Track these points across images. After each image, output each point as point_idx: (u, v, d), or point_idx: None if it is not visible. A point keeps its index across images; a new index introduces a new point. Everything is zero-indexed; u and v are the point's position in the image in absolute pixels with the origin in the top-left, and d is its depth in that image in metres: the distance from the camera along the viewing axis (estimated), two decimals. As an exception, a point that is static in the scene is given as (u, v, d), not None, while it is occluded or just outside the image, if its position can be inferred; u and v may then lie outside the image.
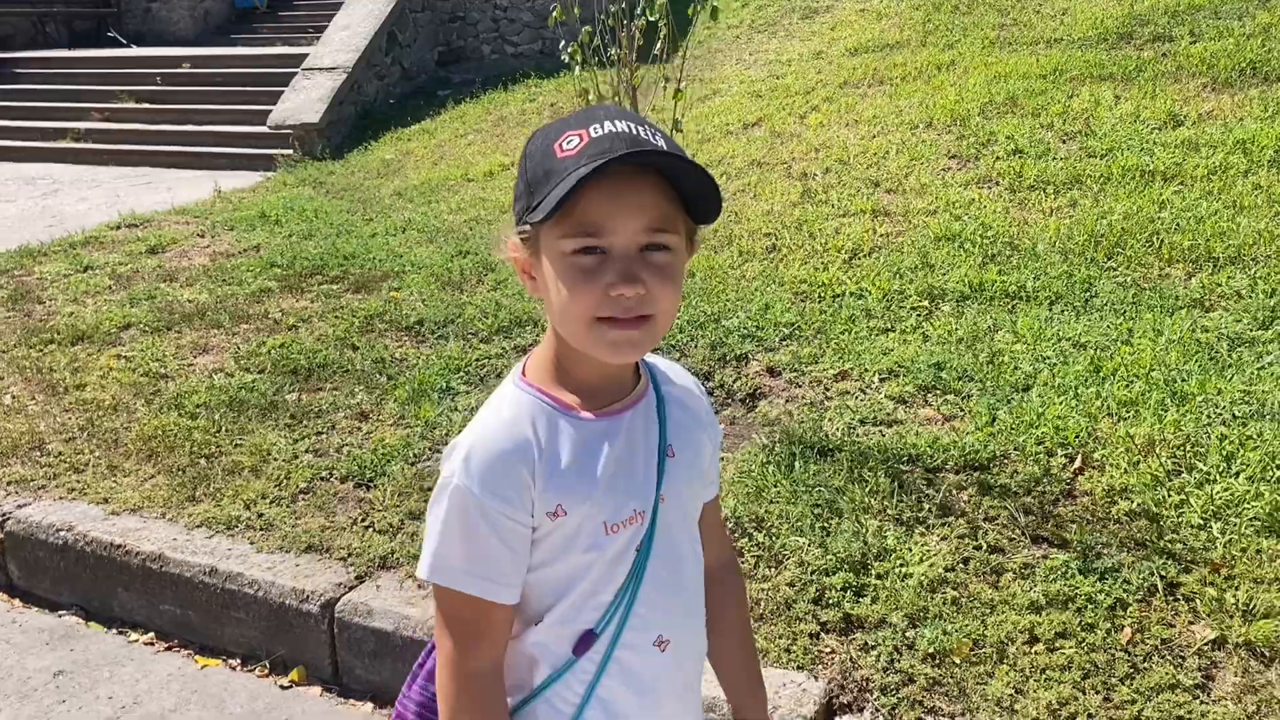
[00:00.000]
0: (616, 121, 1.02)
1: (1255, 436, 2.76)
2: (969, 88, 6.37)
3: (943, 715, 2.03)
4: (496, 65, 9.11)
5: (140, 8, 14.23)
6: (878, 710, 2.06)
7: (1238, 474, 2.62)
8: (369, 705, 2.46)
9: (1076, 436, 2.87)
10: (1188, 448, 2.78)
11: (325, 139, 8.57)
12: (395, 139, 8.54)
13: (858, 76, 7.07)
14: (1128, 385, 3.14)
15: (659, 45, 3.40)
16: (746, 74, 7.77)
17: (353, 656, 2.48)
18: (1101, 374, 3.26)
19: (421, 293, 4.75)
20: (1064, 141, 5.44)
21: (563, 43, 3.44)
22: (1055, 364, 3.33)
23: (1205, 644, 2.12)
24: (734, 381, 3.62)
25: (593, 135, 1.00)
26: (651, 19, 3.44)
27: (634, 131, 1.01)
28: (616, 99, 3.60)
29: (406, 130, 8.66)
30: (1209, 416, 2.91)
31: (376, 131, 8.79)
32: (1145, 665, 2.10)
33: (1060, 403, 3.06)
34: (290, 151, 8.74)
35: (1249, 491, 2.53)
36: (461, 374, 3.80)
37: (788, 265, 4.61)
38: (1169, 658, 2.11)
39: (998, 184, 5.15)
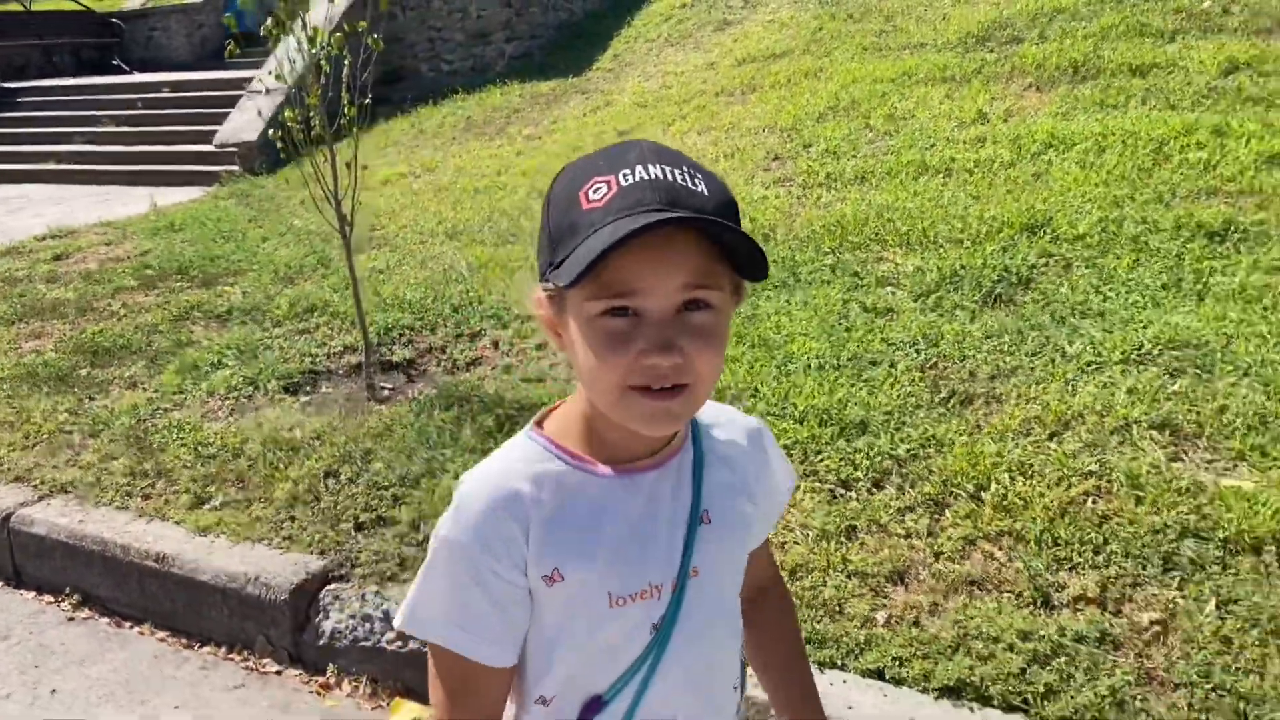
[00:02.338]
0: (650, 167, 0.93)
1: (800, 385, 3.35)
2: (822, 93, 6.97)
3: (403, 580, 2.69)
4: (433, 83, 9.99)
5: (143, 36, 15.61)
6: (355, 578, 2.74)
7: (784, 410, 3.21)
8: (33, 592, 3.22)
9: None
10: (748, 384, 3.38)
11: (263, 155, 9.53)
12: (326, 154, 9.44)
13: (735, 85, 7.72)
14: (750, 347, 3.74)
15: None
16: (643, 85, 8.47)
17: (24, 557, 3.24)
18: (742, 336, 3.86)
19: (252, 287, 5.55)
20: (872, 141, 6.01)
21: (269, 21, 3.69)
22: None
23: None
24: (460, 353, 4.31)
25: (622, 184, 0.92)
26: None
27: (669, 178, 0.92)
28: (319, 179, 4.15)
29: (337, 146, 9.54)
30: (789, 367, 3.50)
31: (310, 146, 9.71)
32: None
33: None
34: (235, 168, 9.72)
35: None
36: (234, 351, 4.56)
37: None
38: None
39: (793, 182, 5.75)
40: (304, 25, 3.83)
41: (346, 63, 3.90)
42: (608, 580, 1.01)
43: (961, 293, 4.04)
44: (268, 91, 9.62)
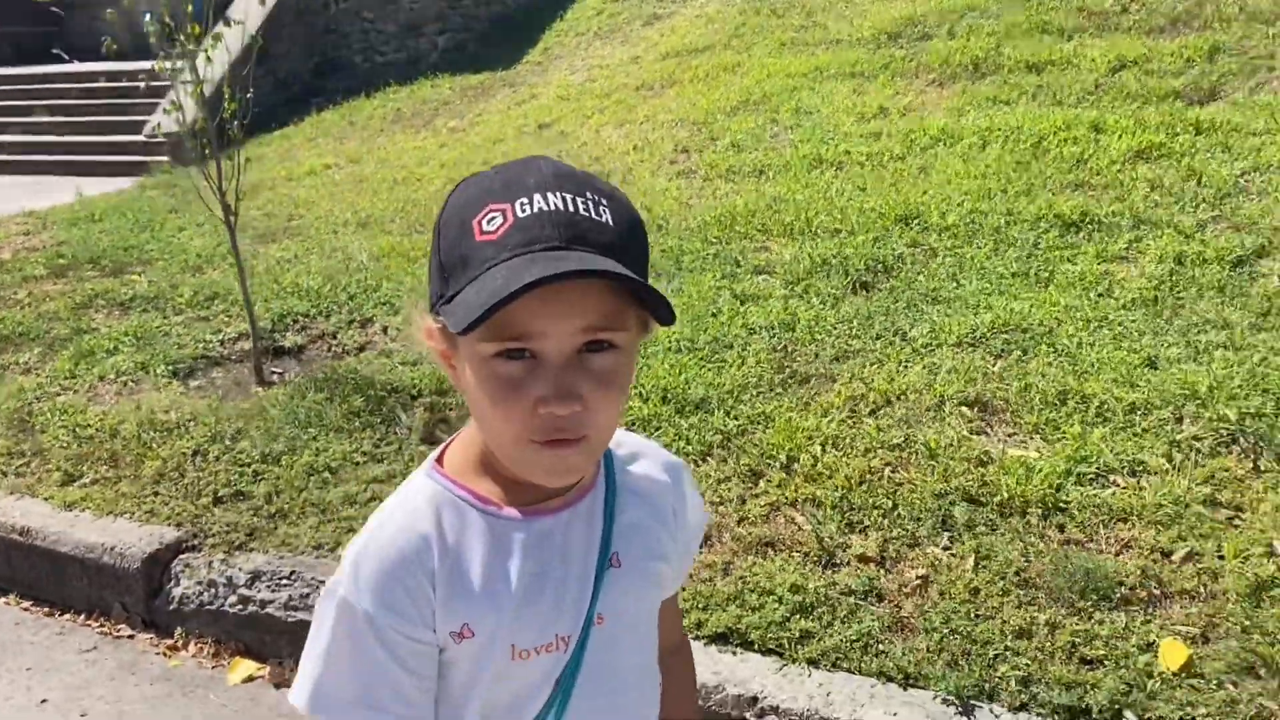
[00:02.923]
0: (549, 195, 0.87)
1: (654, 367, 3.58)
2: (736, 88, 7.20)
3: (250, 549, 2.88)
4: (368, 74, 10.14)
5: (83, 25, 15.61)
6: (206, 548, 2.93)
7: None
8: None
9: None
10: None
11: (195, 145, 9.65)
12: (256, 144, 9.58)
13: (656, 79, 7.94)
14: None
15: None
16: (569, 79, 8.67)
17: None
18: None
19: (160, 276, 5.71)
20: (775, 135, 6.25)
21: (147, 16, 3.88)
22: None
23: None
24: (350, 338, 4.50)
25: (519, 215, 0.86)
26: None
27: (570, 208, 0.86)
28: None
29: (269, 136, 9.71)
30: (648, 350, 3.72)
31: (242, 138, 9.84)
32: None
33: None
34: (164, 159, 9.83)
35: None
36: (131, 338, 4.72)
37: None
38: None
39: (696, 175, 5.97)
40: (186, 25, 3.99)
41: (208, 59, 4.02)
42: (515, 633, 0.96)
43: (829, 280, 4.28)
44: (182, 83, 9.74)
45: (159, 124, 9.87)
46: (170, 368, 4.33)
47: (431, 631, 0.96)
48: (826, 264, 4.42)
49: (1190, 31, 6.29)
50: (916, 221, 4.67)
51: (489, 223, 0.87)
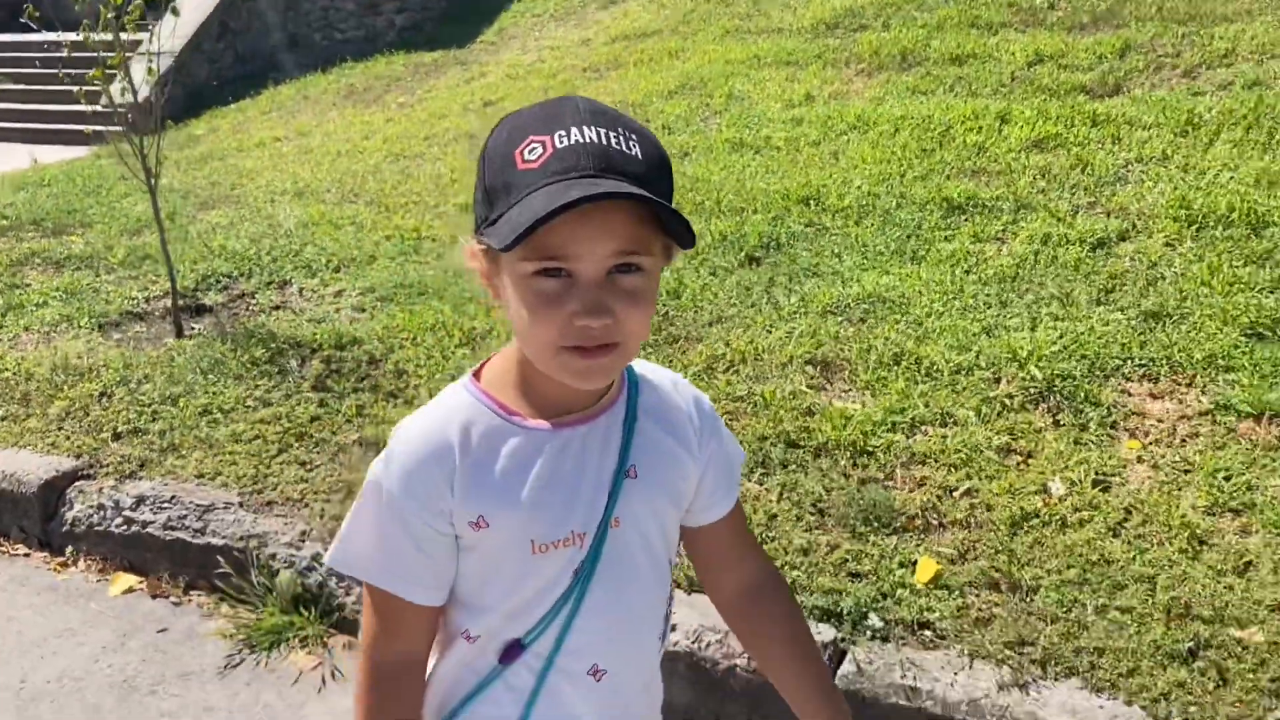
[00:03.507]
0: (585, 129, 0.97)
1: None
2: (676, 72, 7.50)
3: (139, 478, 3.18)
4: (326, 51, 10.41)
5: (52, -6, 15.78)
6: (100, 476, 3.23)
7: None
8: None
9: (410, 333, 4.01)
10: (507, 331, 3.90)
11: (151, 115, 9.90)
12: (213, 117, 9.85)
13: (602, 61, 8.23)
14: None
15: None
16: (520, 59, 8.96)
17: None
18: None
19: (98, 237, 5.98)
20: (705, 119, 6.55)
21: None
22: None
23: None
24: (267, 298, 4.78)
25: (557, 146, 0.96)
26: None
27: (604, 140, 0.97)
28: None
29: (225, 109, 9.96)
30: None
31: (200, 110, 10.11)
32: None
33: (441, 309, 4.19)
34: (123, 127, 10.07)
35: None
36: (61, 293, 4.99)
37: (401, 215, 5.76)
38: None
39: (623, 153, 6.27)
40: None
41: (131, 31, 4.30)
42: (530, 528, 1.08)
43: (726, 255, 4.58)
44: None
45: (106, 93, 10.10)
46: (94, 321, 4.61)
47: (448, 524, 1.08)
48: (725, 239, 4.73)
49: (1109, 29, 6.62)
50: (816, 202, 4.98)
51: (530, 153, 0.96)
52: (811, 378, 3.38)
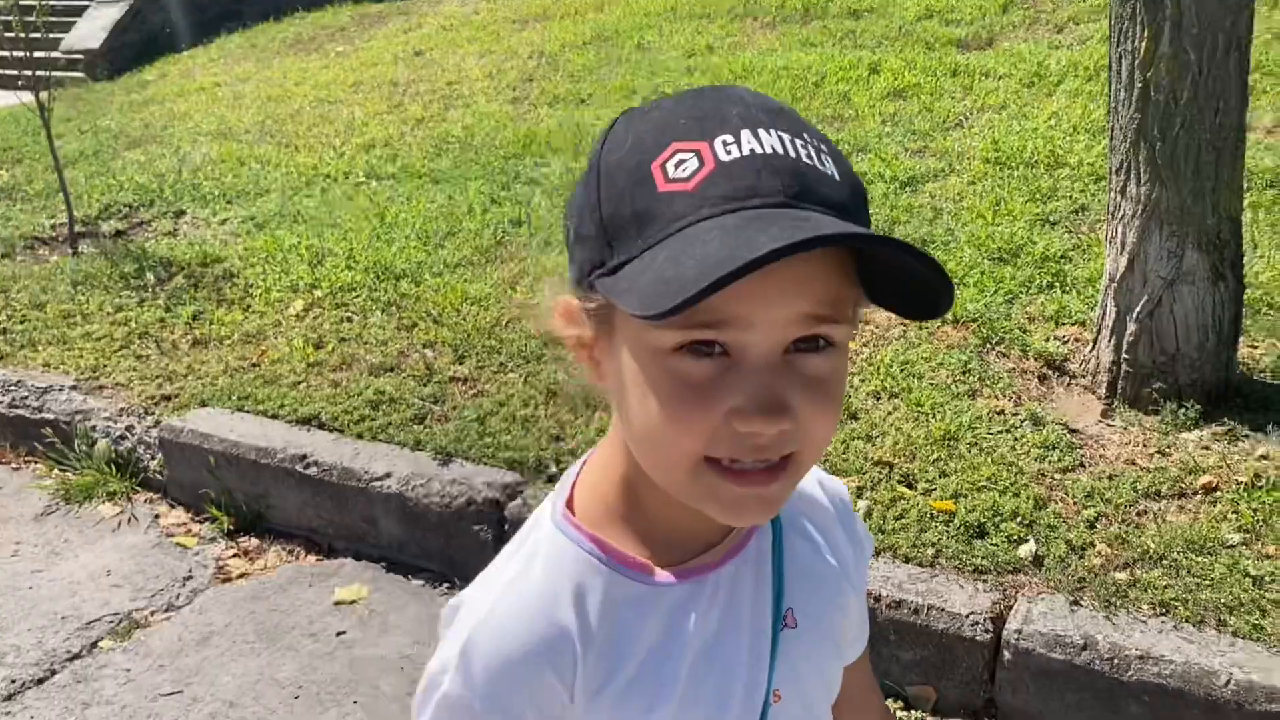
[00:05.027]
0: (761, 133, 0.69)
1: (381, 248, 4.42)
2: (595, 24, 7.97)
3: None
4: (281, 0, 10.92)
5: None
6: None
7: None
8: None
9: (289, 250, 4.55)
10: (345, 246, 4.44)
11: (107, 63, 10.47)
12: (165, 64, 10.39)
13: (532, 13, 8.72)
14: (368, 219, 4.79)
15: None
16: (457, 10, 9.44)
17: None
18: (387, 221, 4.90)
19: (24, 171, 6.55)
20: (610, 68, 7.04)
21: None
22: (357, 219, 4.99)
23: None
24: (161, 227, 5.34)
25: (722, 159, 0.68)
26: None
27: (792, 153, 0.69)
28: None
29: (178, 56, 10.50)
30: (388, 235, 4.56)
31: (154, 57, 10.65)
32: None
33: (300, 234, 4.74)
34: (79, 74, 10.64)
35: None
36: (-26, 224, 5.57)
37: (305, 154, 6.29)
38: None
39: (526, 101, 6.78)
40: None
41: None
42: None
43: (582, 190, 5.10)
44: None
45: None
46: (1, 244, 5.18)
47: None
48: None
49: (1003, -15, 7.04)
50: (679, 144, 5.48)
51: (677, 167, 0.69)
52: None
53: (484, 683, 0.78)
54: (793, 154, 0.70)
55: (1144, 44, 2.80)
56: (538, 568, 0.83)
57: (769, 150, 0.69)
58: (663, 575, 0.82)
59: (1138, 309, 2.95)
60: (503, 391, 3.28)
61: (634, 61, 6.98)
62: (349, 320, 3.85)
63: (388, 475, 2.89)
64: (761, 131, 0.70)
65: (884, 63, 6.10)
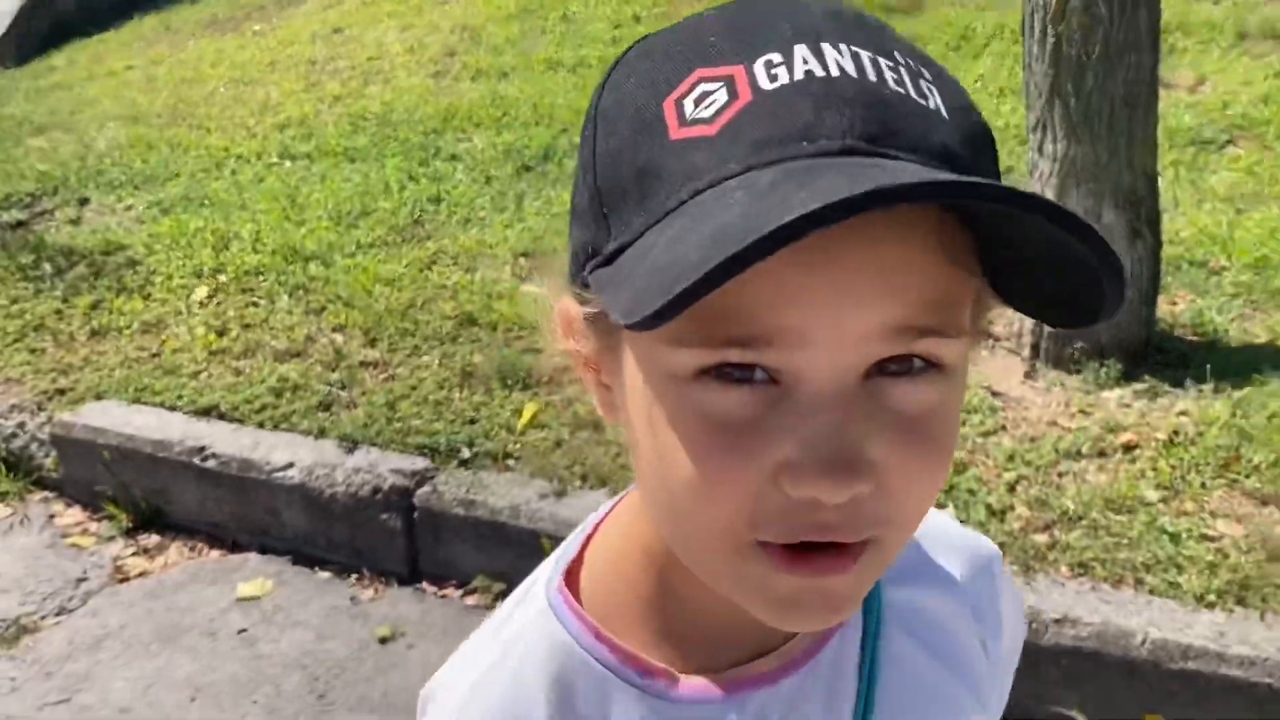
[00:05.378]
0: (825, 46, 0.47)
1: (291, 230, 4.29)
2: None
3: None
4: (196, -20, 10.62)
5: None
6: None
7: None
8: None
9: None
10: (253, 229, 4.29)
11: (13, 50, 10.09)
12: (74, 49, 10.05)
13: (451, -13, 8.55)
14: (276, 199, 4.65)
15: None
16: (379, -15, 9.23)
17: None
18: (298, 202, 4.75)
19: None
20: (534, 40, 6.91)
21: None
22: (268, 196, 4.84)
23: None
24: (66, 215, 5.14)
25: (760, 87, 0.47)
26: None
27: (866, 74, 0.47)
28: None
29: (87, 42, 10.17)
30: (300, 217, 4.42)
31: (63, 43, 10.31)
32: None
33: (209, 215, 4.59)
34: (-10, 60, 10.26)
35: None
36: None
37: (216, 135, 6.11)
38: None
39: (448, 75, 6.65)
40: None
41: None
42: None
43: (504, 165, 4.99)
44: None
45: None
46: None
47: None
48: (508, 151, 5.14)
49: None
50: (603, 116, 5.39)
51: (699, 104, 0.48)
52: (519, 268, 3.82)
53: None
54: (873, 77, 0.47)
55: (1055, -2, 2.77)
56: (515, 659, 0.62)
57: (835, 73, 0.47)
58: (690, 687, 0.60)
59: (1057, 268, 2.92)
60: (415, 375, 3.18)
61: (559, 33, 6.87)
62: (254, 305, 3.72)
63: (290, 465, 2.79)
64: (827, 46, 0.47)
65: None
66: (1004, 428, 2.71)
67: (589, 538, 0.67)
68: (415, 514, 2.65)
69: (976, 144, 0.50)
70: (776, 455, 0.47)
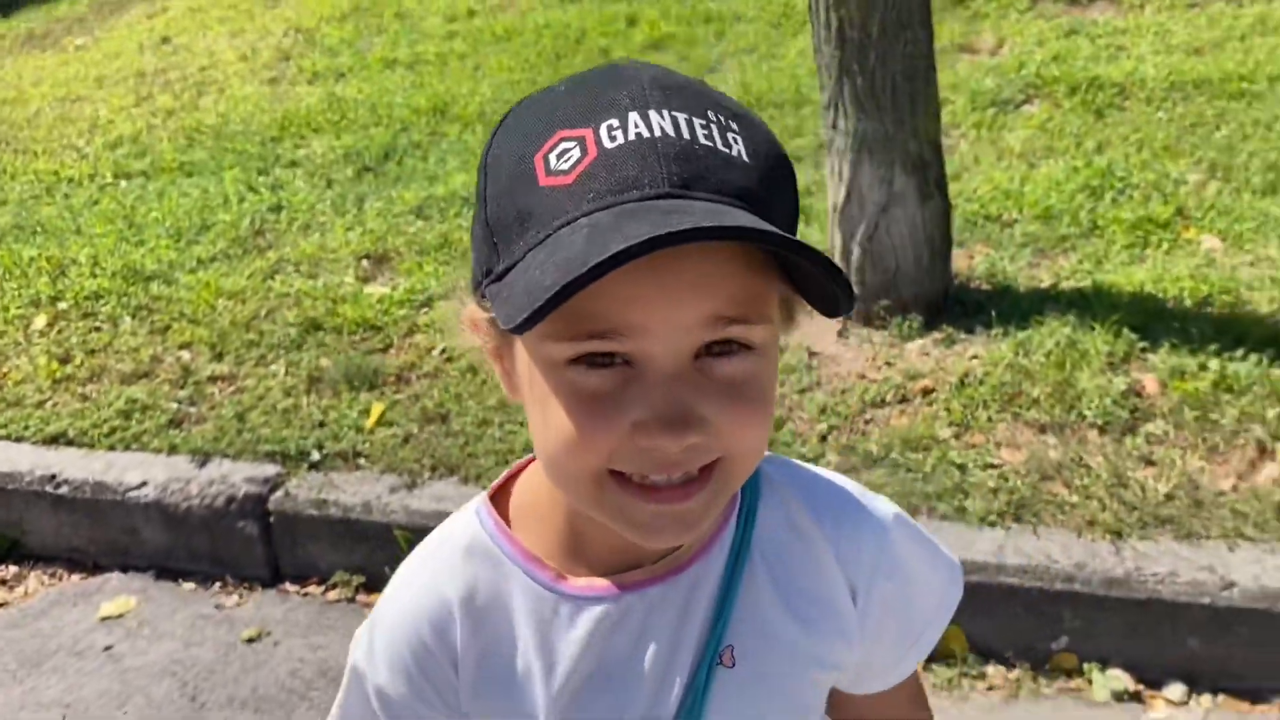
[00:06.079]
0: (653, 114, 0.66)
1: (128, 251, 4.31)
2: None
3: None
4: (9, -7, 10.26)
5: None
6: None
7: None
8: None
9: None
10: (91, 251, 4.31)
11: None
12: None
13: (283, -12, 8.49)
14: (113, 221, 4.66)
15: None
16: (207, -9, 9.10)
17: None
18: (135, 222, 4.75)
19: None
20: (369, 39, 6.97)
21: None
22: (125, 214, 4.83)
23: None
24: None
25: (605, 146, 0.65)
26: None
27: (684, 134, 0.66)
28: None
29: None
30: (139, 236, 4.45)
31: None
32: None
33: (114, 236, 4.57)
34: None
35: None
36: None
37: (45, 159, 6.01)
38: None
39: (284, 80, 6.65)
40: None
41: None
42: None
43: (344, 168, 5.08)
44: None
45: None
46: None
47: (458, 715, 0.85)
48: (348, 154, 5.22)
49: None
50: (442, 113, 5.52)
51: (559, 158, 0.66)
52: (361, 270, 3.95)
53: (382, 655, 0.85)
54: (686, 135, 0.66)
55: (834, -16, 3.04)
56: (442, 550, 0.87)
57: (659, 134, 0.65)
58: (573, 586, 0.82)
59: (859, 234, 3.22)
60: (262, 384, 3.30)
61: (394, 31, 6.95)
62: (98, 330, 3.77)
63: (144, 484, 2.90)
64: (652, 112, 0.66)
65: (641, 14, 6.28)
66: (819, 384, 2.99)
67: (519, 471, 0.89)
68: (271, 519, 2.79)
69: (773, 180, 0.70)
70: (631, 417, 0.68)
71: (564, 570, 0.83)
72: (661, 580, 0.82)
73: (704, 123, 0.67)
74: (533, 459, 0.85)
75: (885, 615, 0.88)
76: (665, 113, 0.67)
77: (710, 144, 0.67)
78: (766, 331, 0.70)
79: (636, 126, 0.66)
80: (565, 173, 0.66)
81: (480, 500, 0.88)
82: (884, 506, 0.90)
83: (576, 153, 0.66)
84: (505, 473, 0.90)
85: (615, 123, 0.66)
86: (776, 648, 0.84)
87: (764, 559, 0.85)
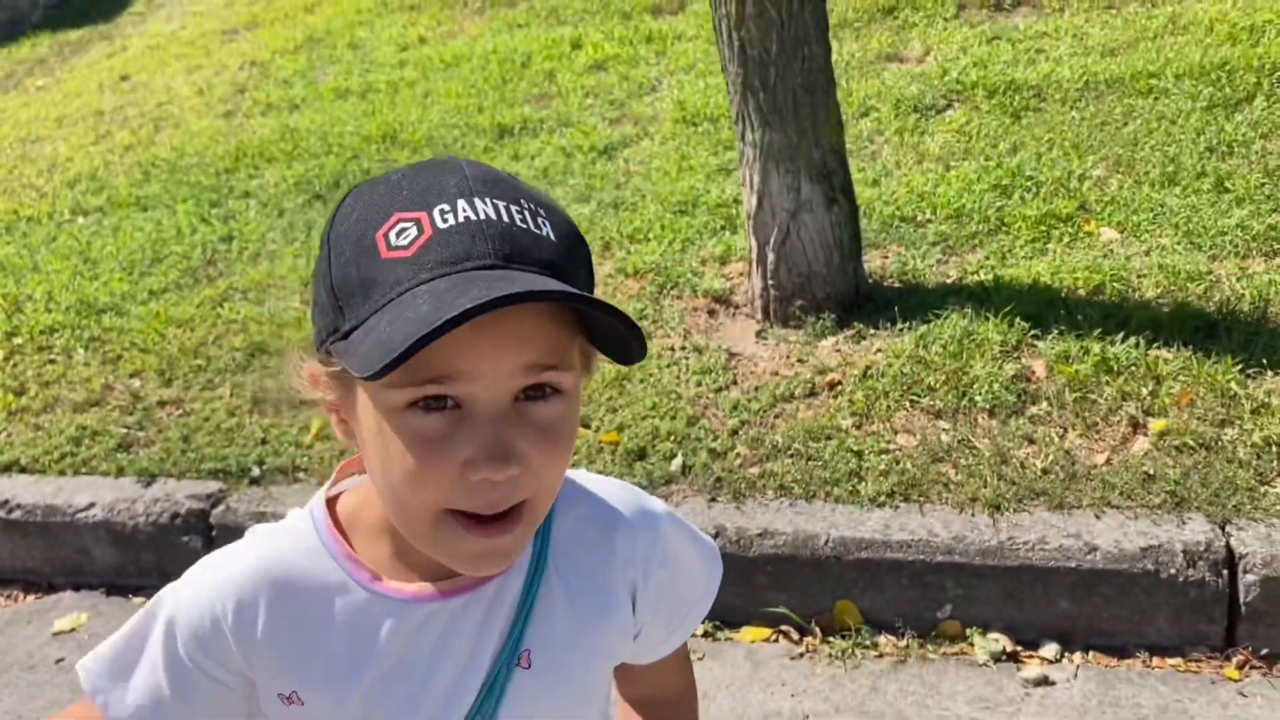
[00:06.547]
0: (477, 202, 0.80)
1: (85, 285, 4.48)
2: (305, 26, 8.05)
3: None
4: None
5: None
6: None
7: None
8: None
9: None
10: (46, 288, 4.48)
11: None
12: None
13: (240, 22, 8.71)
14: (67, 258, 4.83)
15: None
16: (163, 28, 9.32)
17: None
18: (90, 257, 4.93)
19: None
20: (323, 70, 7.17)
21: None
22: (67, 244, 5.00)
23: None
24: None
25: (439, 226, 0.78)
26: None
27: (504, 218, 0.80)
28: None
29: None
30: (94, 270, 4.62)
31: None
32: None
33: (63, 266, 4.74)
34: None
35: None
36: None
37: (3, 199, 6.18)
38: None
39: (238, 114, 6.84)
40: None
41: None
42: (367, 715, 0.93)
43: (296, 197, 5.27)
44: None
45: None
46: None
47: (243, 677, 0.96)
48: (299, 183, 5.41)
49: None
50: (391, 140, 5.72)
51: (398, 235, 0.78)
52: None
53: (187, 617, 0.96)
54: (505, 219, 0.79)
55: (734, 6, 3.24)
56: (281, 538, 0.97)
57: (483, 217, 0.78)
58: (387, 588, 0.93)
59: (772, 239, 3.41)
60: (208, 407, 3.48)
61: (347, 61, 7.16)
62: (52, 363, 3.94)
63: (92, 505, 3.06)
64: (477, 200, 0.79)
65: (585, 37, 6.50)
66: (735, 382, 3.18)
67: (349, 468, 1.01)
68: (213, 532, 2.95)
69: (574, 254, 0.84)
70: (462, 455, 0.79)
71: (385, 574, 0.94)
72: (471, 590, 0.94)
73: (519, 209, 0.81)
74: (358, 456, 0.95)
75: (660, 600, 1.03)
76: (488, 200, 0.80)
77: (525, 226, 0.80)
78: (573, 378, 0.83)
79: (465, 211, 0.79)
80: (405, 248, 0.78)
81: (318, 499, 0.99)
82: (656, 505, 1.05)
83: (414, 231, 0.78)
84: (337, 470, 1.03)
85: (446, 207, 0.79)
86: (569, 649, 0.97)
87: (558, 572, 0.98)
